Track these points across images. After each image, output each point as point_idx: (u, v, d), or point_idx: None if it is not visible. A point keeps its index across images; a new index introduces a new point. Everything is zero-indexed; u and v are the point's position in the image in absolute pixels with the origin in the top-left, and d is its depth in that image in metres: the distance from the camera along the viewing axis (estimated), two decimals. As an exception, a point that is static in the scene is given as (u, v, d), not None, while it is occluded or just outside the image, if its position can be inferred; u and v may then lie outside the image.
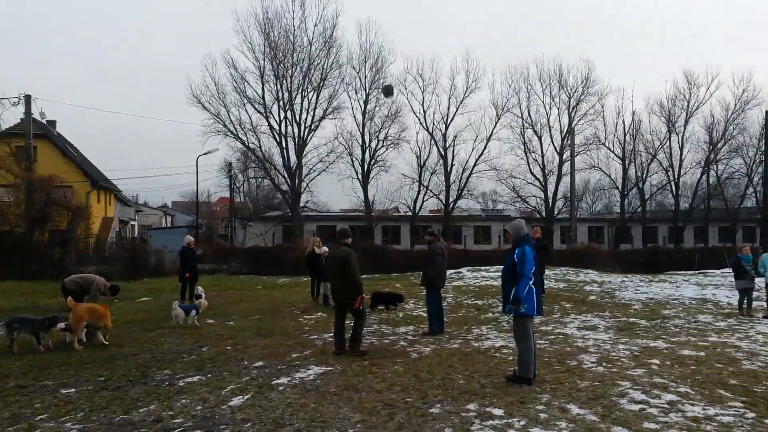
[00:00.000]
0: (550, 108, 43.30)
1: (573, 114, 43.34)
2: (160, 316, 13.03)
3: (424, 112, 41.20)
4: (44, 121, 34.38)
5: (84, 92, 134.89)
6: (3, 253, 24.50)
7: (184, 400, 6.49)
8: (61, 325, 9.49)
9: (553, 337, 10.14)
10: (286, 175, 38.74)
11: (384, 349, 9.25)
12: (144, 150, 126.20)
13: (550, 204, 43.39)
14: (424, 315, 11.77)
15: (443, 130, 41.50)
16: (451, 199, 41.95)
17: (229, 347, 9.43)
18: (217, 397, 6.59)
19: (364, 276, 19.26)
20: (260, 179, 47.01)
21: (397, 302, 13.97)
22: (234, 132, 37.89)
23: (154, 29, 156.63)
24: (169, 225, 68.43)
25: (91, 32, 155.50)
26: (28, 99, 27.20)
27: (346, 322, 8.98)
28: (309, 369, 7.83)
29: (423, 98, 41.05)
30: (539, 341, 9.18)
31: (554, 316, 12.63)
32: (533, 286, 6.89)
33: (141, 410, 6.18)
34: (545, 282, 14.01)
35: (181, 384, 7.20)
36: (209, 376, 7.58)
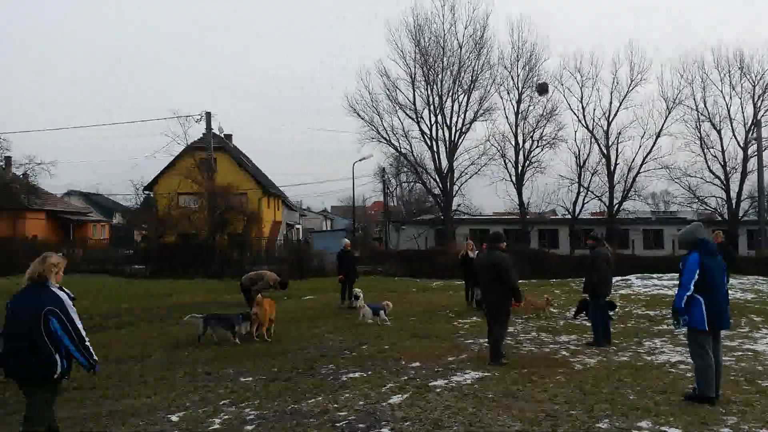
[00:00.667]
0: (731, 98, 38.70)
1: (759, 104, 38.36)
2: (324, 314, 13.81)
3: (583, 108, 39.18)
4: (222, 135, 38.28)
5: (255, 105, 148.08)
6: (190, 254, 27.70)
7: (347, 395, 6.78)
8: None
9: (740, 353, 9.01)
10: (438, 179, 39.08)
11: (544, 358, 8.89)
12: (307, 158, 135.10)
13: (734, 205, 38.79)
14: (587, 324, 11.11)
15: (605, 127, 39.13)
16: (615, 201, 39.33)
17: (387, 346, 9.69)
18: (378, 394, 6.78)
19: (520, 281, 18.77)
20: (412, 183, 47.94)
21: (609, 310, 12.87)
22: (387, 138, 39.13)
23: (312, 45, 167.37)
24: (329, 228, 72.45)
25: (260, 53, 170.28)
26: (208, 116, 30.42)
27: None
28: (466, 373, 7.76)
29: (581, 94, 39.08)
30: (724, 357, 8.19)
31: (741, 330, 11.21)
32: (700, 297, 6.20)
33: (309, 401, 6.57)
34: (729, 292, 12.48)
35: (344, 379, 7.53)
36: (369, 373, 7.83)
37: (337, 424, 5.75)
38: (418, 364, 8.34)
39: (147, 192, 41.22)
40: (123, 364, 8.73)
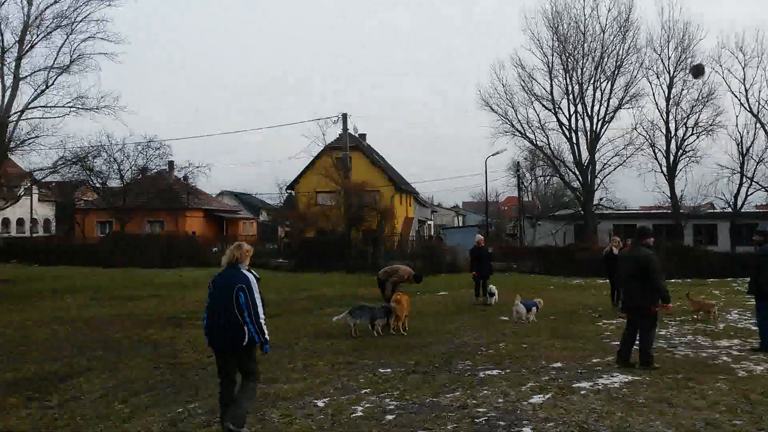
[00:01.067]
0: None
1: None
2: (459, 310, 13.78)
3: (746, 90, 35.15)
4: (357, 135, 39.58)
5: (388, 103, 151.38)
6: (328, 249, 28.95)
7: (485, 391, 6.68)
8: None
9: None
10: (578, 172, 37.28)
11: (701, 362, 8.13)
12: (437, 154, 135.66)
13: None
14: (753, 328, 10.00)
15: (774, 110, 34.76)
16: (786, 192, 34.89)
17: (525, 345, 9.42)
18: (518, 393, 6.61)
19: (671, 281, 17.38)
20: (549, 177, 46.23)
21: None
22: (521, 131, 38.03)
23: (443, 40, 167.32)
24: (460, 224, 72.17)
25: (388, 54, 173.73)
26: (344, 117, 31.56)
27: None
28: (613, 376, 7.31)
29: (744, 75, 35.07)
30: None
31: None
32: None
33: (447, 395, 6.57)
34: None
35: (482, 375, 7.44)
36: (508, 371, 7.66)
37: (477, 420, 5.69)
38: (559, 364, 8.01)
39: (289, 191, 43.78)
40: (274, 350, 9.31)
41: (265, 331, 5.36)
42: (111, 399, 6.92)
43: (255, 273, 5.52)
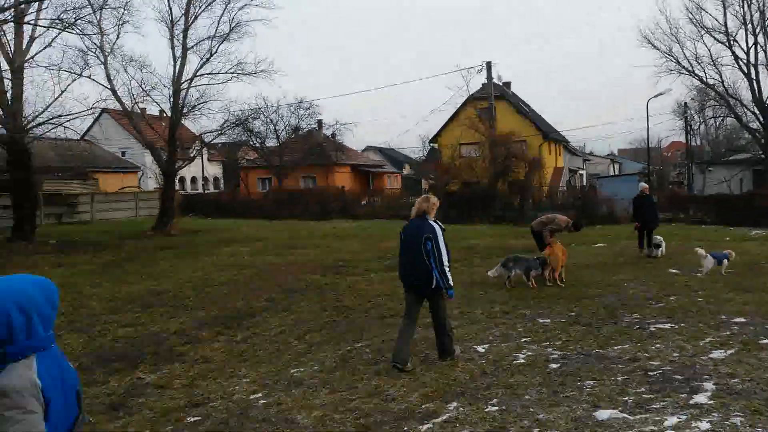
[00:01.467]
0: None
1: None
2: (619, 262, 13.03)
3: None
4: (501, 84, 38.20)
5: (536, 49, 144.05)
6: (473, 201, 28.73)
7: (658, 345, 6.30)
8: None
9: None
10: (757, 111, 32.83)
11: None
12: (590, 100, 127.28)
13: None
14: None
15: None
16: None
17: (700, 299, 8.67)
18: (695, 347, 6.16)
19: None
20: (721, 118, 41.32)
21: None
22: (689, 68, 34.12)
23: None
24: (617, 173, 67.64)
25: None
26: (488, 66, 30.57)
27: None
28: (810, 334, 6.51)
29: None
30: None
31: None
32: None
33: (615, 348, 6.29)
34: None
35: (652, 329, 7.00)
36: (682, 325, 7.13)
37: (650, 373, 5.40)
38: (742, 319, 7.29)
39: (432, 144, 43.81)
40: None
41: (449, 277, 5.75)
42: (287, 336, 7.58)
43: (441, 224, 5.86)
